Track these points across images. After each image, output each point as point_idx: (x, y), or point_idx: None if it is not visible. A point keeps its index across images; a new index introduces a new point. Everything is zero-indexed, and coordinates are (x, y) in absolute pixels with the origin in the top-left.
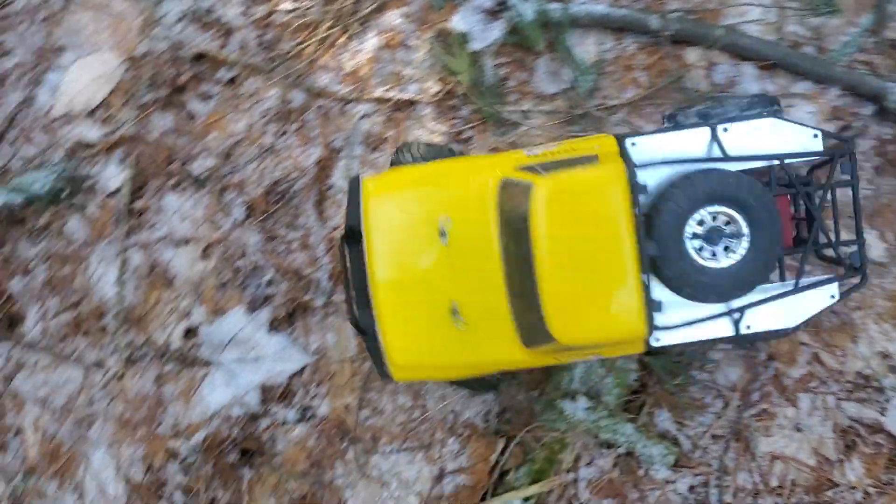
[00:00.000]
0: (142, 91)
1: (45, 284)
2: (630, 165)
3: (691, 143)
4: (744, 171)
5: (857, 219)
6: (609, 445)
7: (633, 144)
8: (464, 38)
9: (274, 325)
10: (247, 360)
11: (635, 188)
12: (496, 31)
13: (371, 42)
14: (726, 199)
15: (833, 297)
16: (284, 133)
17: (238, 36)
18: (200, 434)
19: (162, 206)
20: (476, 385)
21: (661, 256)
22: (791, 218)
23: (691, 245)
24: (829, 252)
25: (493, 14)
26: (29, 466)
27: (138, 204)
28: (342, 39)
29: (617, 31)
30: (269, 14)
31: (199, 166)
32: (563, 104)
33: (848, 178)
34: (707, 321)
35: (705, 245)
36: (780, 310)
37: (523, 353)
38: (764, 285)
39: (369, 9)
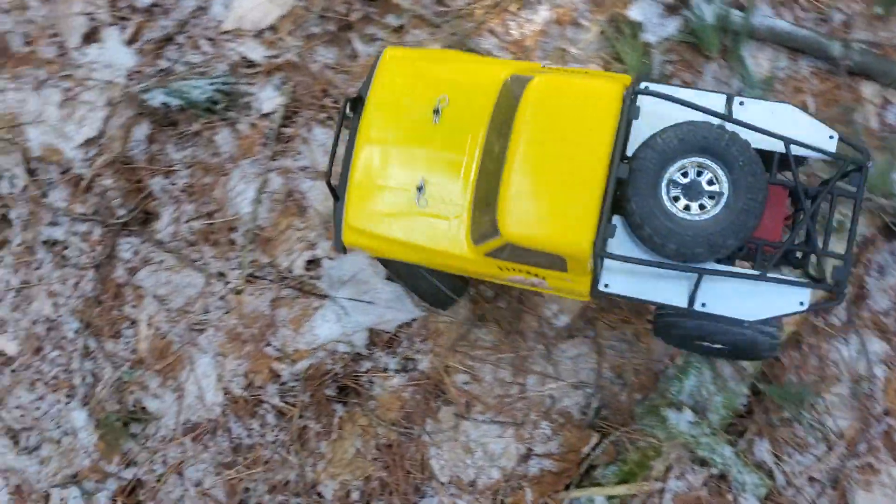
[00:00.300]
0: (311, 21)
1: (185, 189)
2: (633, 87)
3: (704, 103)
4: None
5: (852, 233)
6: (703, 463)
7: (647, 87)
8: (637, 27)
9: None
10: (361, 301)
11: (628, 103)
12: (671, 26)
13: (542, 14)
14: (713, 152)
15: (802, 304)
16: None
17: None
18: (304, 362)
19: (309, 137)
20: (423, 291)
21: (632, 190)
22: (786, 218)
23: (668, 192)
24: (811, 262)
25: (671, 9)
26: (137, 358)
27: (287, 130)
28: (514, 7)
29: (794, 51)
30: None
31: None
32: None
33: (854, 189)
34: (660, 278)
35: (682, 197)
36: (741, 298)
37: (468, 249)
38: (733, 267)
39: None
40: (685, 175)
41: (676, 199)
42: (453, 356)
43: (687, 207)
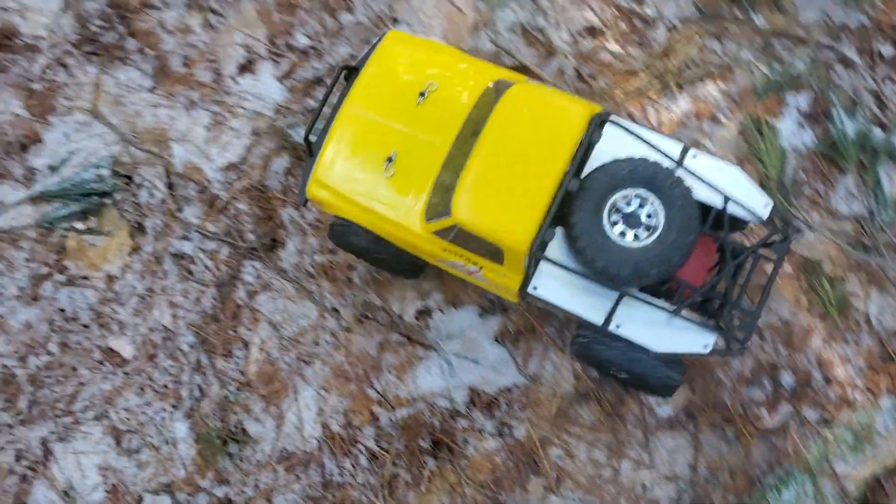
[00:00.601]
0: None
1: (312, 224)
2: (601, 115)
3: (662, 146)
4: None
5: (765, 295)
6: None
7: (612, 120)
8: (776, 131)
9: (500, 337)
10: (466, 358)
11: (593, 127)
12: (810, 135)
13: (682, 105)
14: (657, 189)
15: (706, 347)
16: None
17: (558, 60)
18: (404, 410)
19: None
20: (382, 259)
21: (578, 205)
22: (710, 268)
23: (610, 215)
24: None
25: (811, 119)
26: (245, 380)
27: None
28: (655, 94)
29: None
30: (594, 50)
31: None
32: (851, 228)
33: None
34: (585, 293)
35: (621, 223)
36: (652, 329)
37: (419, 224)
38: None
39: (693, 75)
40: (628, 204)
41: (615, 223)
42: (551, 429)
43: (623, 234)
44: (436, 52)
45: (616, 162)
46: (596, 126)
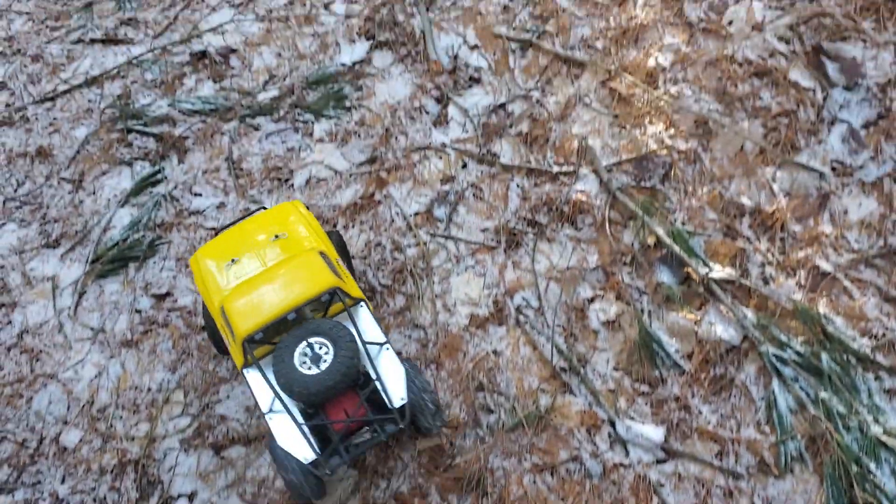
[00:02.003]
0: None
1: None
2: (335, 290)
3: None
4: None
5: (353, 449)
6: None
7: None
8: None
9: None
10: None
11: (328, 294)
12: None
13: None
14: (334, 340)
15: (306, 459)
16: None
17: None
18: None
19: None
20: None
21: (282, 342)
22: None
23: (299, 357)
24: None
25: None
26: None
27: None
28: None
29: None
30: None
31: None
32: None
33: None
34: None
35: (309, 361)
36: (285, 429)
37: (219, 299)
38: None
39: None
40: (311, 349)
41: (305, 361)
42: None
43: (304, 363)
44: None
45: (322, 320)
46: (330, 295)
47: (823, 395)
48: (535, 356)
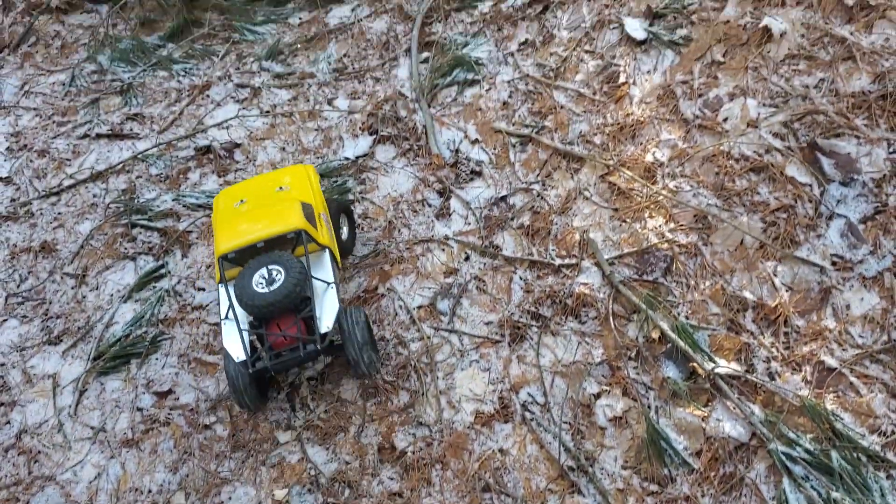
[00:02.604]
0: None
1: None
2: (302, 233)
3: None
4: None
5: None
6: None
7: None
8: None
9: None
10: None
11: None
12: None
13: None
14: (287, 268)
15: (238, 358)
16: None
17: None
18: None
19: None
20: None
21: (245, 268)
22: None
23: (258, 278)
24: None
25: None
26: None
27: None
28: None
29: None
30: None
31: None
32: None
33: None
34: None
35: (264, 283)
36: (231, 334)
37: None
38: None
39: None
40: (269, 273)
41: (260, 283)
42: None
43: (260, 283)
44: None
45: (285, 253)
46: (296, 235)
47: (835, 494)
48: (542, 454)
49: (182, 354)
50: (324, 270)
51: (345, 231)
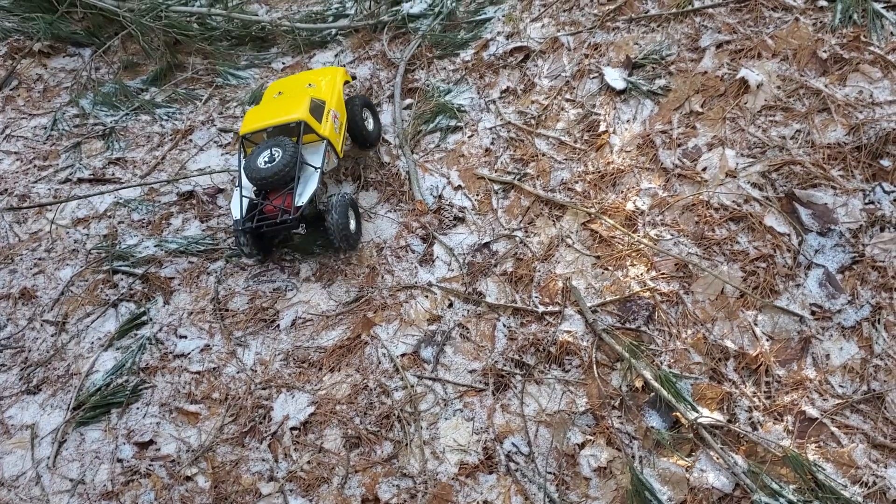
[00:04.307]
0: None
1: None
2: (301, 124)
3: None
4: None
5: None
6: None
7: (303, 124)
8: None
9: None
10: None
11: (299, 124)
12: None
13: None
14: (283, 148)
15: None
16: None
17: None
18: None
19: None
20: None
21: (269, 139)
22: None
23: (263, 156)
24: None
25: None
26: None
27: None
28: None
29: None
30: None
31: None
32: None
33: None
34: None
35: (266, 159)
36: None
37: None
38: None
39: None
40: (271, 153)
41: (265, 157)
42: None
43: (263, 160)
44: (333, 83)
45: (287, 138)
46: (298, 124)
47: None
48: None
49: (163, 404)
50: (316, 158)
51: (370, 122)
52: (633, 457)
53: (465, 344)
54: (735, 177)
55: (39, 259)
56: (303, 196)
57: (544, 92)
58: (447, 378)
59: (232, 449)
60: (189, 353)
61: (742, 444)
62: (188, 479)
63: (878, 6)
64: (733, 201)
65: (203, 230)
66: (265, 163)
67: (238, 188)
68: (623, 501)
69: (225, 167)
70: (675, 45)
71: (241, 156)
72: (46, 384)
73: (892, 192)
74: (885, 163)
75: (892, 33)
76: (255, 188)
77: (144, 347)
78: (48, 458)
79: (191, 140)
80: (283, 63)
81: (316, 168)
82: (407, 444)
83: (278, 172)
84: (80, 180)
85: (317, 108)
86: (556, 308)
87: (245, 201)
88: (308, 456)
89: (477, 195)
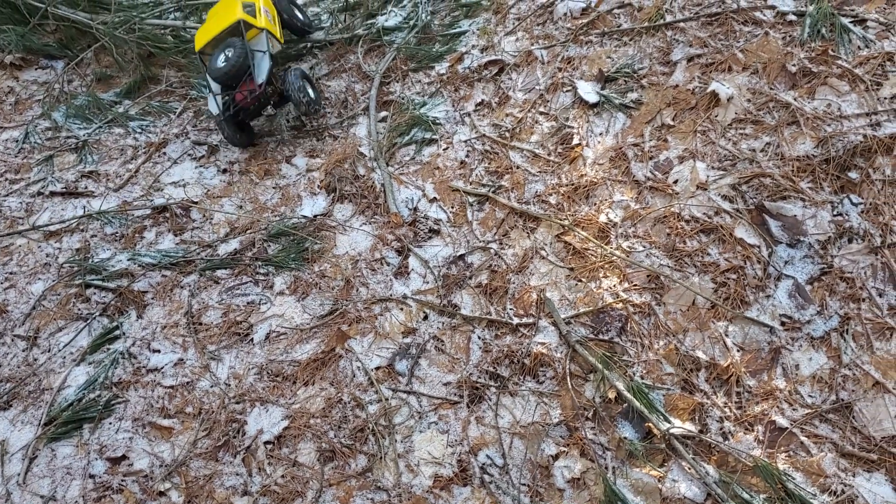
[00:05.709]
0: None
1: None
2: (241, 23)
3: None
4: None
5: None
6: None
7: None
8: None
9: None
10: None
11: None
12: None
13: None
14: (234, 48)
15: (216, 109)
16: None
17: None
18: None
19: None
20: None
21: (214, 53)
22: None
23: (220, 57)
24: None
25: None
26: None
27: None
28: None
29: None
30: None
31: None
32: None
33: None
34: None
35: (223, 59)
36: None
37: None
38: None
39: None
40: (225, 53)
41: (223, 58)
42: None
43: (221, 60)
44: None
45: (236, 38)
46: (239, 25)
47: None
48: None
49: (136, 418)
50: (261, 45)
51: (296, 11)
52: (606, 467)
53: (439, 356)
54: (706, 189)
55: (10, 273)
56: (261, 75)
57: (518, 105)
58: (422, 391)
59: (205, 463)
60: (162, 368)
61: (713, 454)
62: (161, 494)
63: (845, 21)
64: (704, 213)
65: (177, 243)
66: (223, 61)
67: (210, 92)
68: None
69: (199, 181)
70: (647, 58)
71: (204, 69)
72: (17, 400)
73: (860, 203)
74: (853, 175)
75: (859, 47)
76: (222, 88)
77: (117, 362)
78: (18, 474)
79: (164, 153)
80: None
81: (264, 52)
82: (381, 458)
83: (235, 64)
84: (53, 193)
85: (248, 7)
86: (531, 320)
87: (218, 99)
88: (282, 470)
89: (452, 207)
